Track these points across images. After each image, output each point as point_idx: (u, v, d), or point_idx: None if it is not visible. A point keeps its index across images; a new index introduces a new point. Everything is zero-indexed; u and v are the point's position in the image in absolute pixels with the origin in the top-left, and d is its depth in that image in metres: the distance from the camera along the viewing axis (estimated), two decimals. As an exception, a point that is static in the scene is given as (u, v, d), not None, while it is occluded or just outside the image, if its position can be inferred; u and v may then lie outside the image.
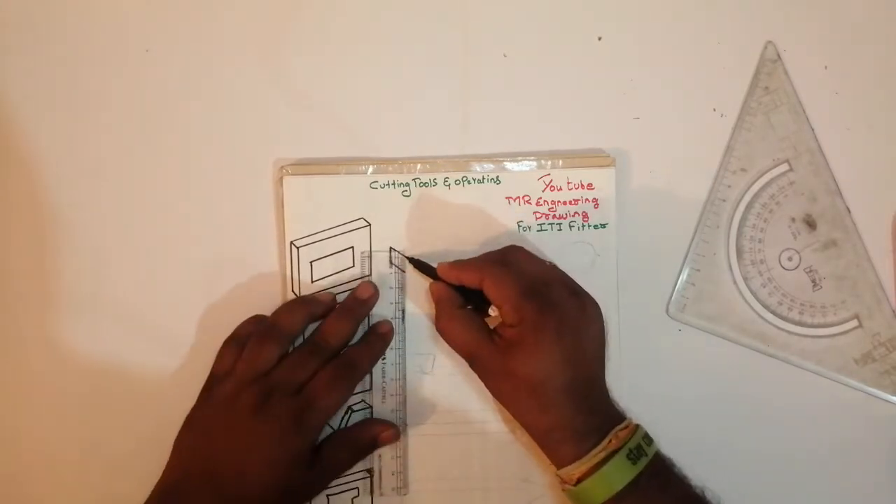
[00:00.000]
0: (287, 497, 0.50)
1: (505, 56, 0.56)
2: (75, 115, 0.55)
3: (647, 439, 0.48)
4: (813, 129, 0.55)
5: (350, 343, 0.53)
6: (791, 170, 0.55)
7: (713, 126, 0.56)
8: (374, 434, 0.52)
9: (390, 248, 0.54)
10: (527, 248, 0.52)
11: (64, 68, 0.55)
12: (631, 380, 0.54)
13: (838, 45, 0.56)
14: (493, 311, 0.50)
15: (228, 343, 0.52)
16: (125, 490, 0.54)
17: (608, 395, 0.49)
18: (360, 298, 0.53)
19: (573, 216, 0.54)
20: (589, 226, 0.54)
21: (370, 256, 0.54)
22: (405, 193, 0.54)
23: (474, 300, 0.50)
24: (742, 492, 0.54)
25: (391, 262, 0.54)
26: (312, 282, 0.54)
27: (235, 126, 0.55)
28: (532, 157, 0.54)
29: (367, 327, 0.54)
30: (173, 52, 0.55)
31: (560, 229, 0.54)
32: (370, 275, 0.54)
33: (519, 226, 0.54)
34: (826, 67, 0.56)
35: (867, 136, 0.56)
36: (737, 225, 0.55)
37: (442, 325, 0.50)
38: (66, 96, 0.55)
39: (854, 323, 0.55)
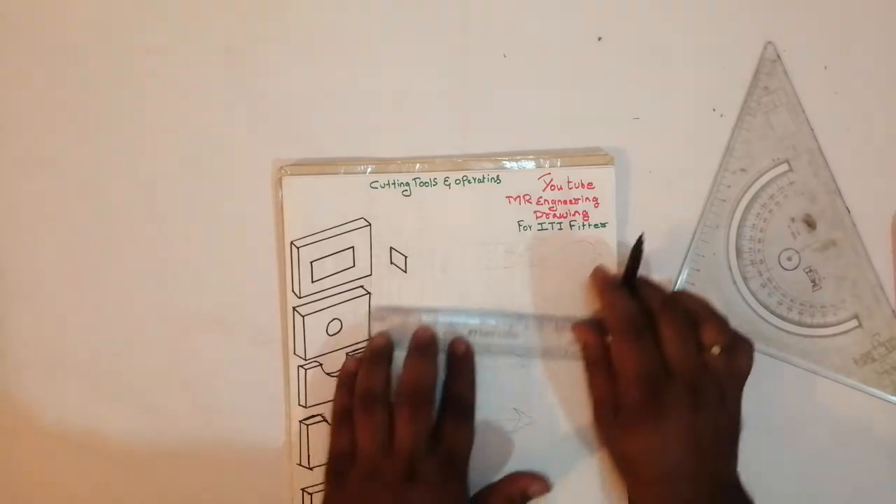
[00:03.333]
0: None
1: (505, 56, 0.56)
2: (74, 114, 0.55)
3: None
4: (812, 130, 0.55)
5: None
6: (791, 170, 0.55)
7: (713, 126, 0.56)
8: (523, 487, 0.52)
9: (391, 247, 0.54)
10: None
11: (63, 68, 0.55)
12: (631, 380, 0.54)
13: (838, 45, 0.56)
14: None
15: (338, 423, 0.52)
16: (125, 491, 0.54)
17: (738, 481, 0.50)
18: (423, 339, 0.53)
19: (573, 215, 0.54)
20: (589, 225, 0.54)
21: (371, 256, 0.54)
22: (405, 193, 0.54)
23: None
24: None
25: (391, 262, 0.54)
26: (313, 281, 0.54)
27: (235, 126, 0.55)
28: (531, 157, 0.54)
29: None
30: (172, 53, 0.55)
31: (560, 228, 0.54)
32: (371, 274, 0.54)
33: (519, 225, 0.54)
34: (826, 67, 0.56)
35: (867, 136, 0.56)
36: (736, 225, 0.55)
37: (619, 348, 0.50)
38: (64, 96, 0.55)
39: (853, 323, 0.55)
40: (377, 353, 0.52)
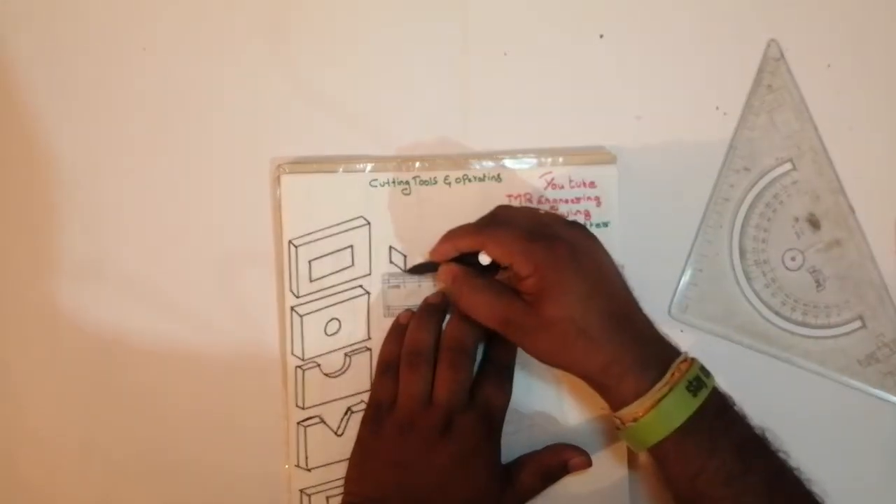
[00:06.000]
0: None
1: (505, 54, 0.55)
2: (72, 113, 0.55)
3: (705, 371, 0.47)
4: (816, 128, 0.55)
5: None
6: (794, 169, 0.55)
7: (716, 125, 0.55)
8: (564, 460, 0.52)
9: (390, 246, 0.54)
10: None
11: (61, 67, 0.55)
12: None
13: (841, 43, 0.55)
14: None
15: (383, 372, 0.52)
16: (123, 492, 0.54)
17: (656, 328, 0.48)
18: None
19: (575, 215, 0.54)
20: (591, 224, 0.54)
21: (370, 255, 0.54)
22: (405, 192, 0.54)
23: (481, 272, 0.50)
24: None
25: (391, 261, 0.54)
26: (311, 280, 0.53)
27: (232, 125, 0.55)
28: (533, 155, 0.54)
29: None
30: (170, 51, 0.55)
31: (562, 228, 0.54)
32: (370, 273, 0.54)
33: (520, 224, 0.54)
34: (829, 66, 0.55)
35: (871, 135, 0.55)
36: (740, 225, 0.55)
37: (466, 301, 0.49)
38: (62, 94, 0.55)
39: (858, 324, 0.55)
40: (430, 310, 0.53)
